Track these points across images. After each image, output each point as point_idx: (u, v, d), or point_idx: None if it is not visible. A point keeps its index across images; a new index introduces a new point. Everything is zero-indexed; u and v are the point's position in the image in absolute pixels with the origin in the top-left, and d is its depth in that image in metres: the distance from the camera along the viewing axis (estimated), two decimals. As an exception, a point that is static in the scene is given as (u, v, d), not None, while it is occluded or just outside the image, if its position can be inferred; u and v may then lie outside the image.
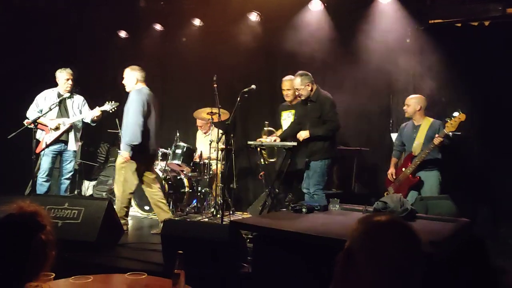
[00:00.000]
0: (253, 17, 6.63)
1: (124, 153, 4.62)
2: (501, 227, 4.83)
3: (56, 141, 5.34)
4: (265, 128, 5.86)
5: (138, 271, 2.21)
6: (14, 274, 1.39)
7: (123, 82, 4.96)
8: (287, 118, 5.33)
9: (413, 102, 4.63)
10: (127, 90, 4.93)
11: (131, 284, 2.06)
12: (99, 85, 7.42)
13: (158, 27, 7.45)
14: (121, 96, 7.63)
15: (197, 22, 7.10)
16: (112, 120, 6.59)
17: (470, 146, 5.08)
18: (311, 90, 4.79)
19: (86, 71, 6.84)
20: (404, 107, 4.70)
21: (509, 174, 4.68)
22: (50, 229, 1.49)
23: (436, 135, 4.28)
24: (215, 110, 5.75)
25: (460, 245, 3.02)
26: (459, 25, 5.43)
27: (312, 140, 4.72)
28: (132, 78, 4.87)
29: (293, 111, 5.21)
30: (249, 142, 5.05)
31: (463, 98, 5.03)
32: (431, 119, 4.57)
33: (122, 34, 7.74)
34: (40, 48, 7.03)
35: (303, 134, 4.70)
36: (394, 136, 5.51)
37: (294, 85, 4.84)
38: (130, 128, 4.59)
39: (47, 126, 5.29)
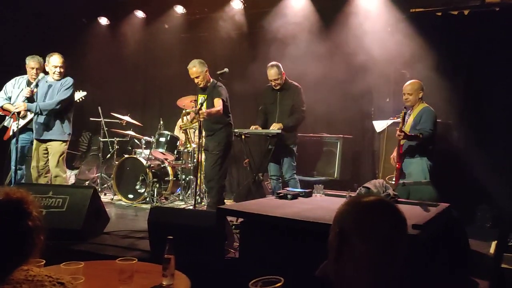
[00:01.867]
0: (236, 4, 6.61)
1: (23, 106, 4.86)
2: (478, 211, 5.01)
3: (24, 129, 5.19)
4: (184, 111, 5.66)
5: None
6: (1, 261, 1.40)
7: (60, 69, 4.94)
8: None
9: (414, 89, 4.32)
10: (57, 78, 4.95)
11: (122, 270, 2.07)
12: (79, 73, 7.30)
13: (139, 13, 7.35)
14: (102, 83, 7.58)
15: (179, 9, 7.04)
16: (94, 108, 6.53)
17: (450, 132, 5.20)
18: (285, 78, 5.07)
19: (65, 58, 6.71)
20: (405, 97, 4.36)
21: (487, 159, 4.82)
22: (37, 215, 1.48)
23: (396, 128, 4.15)
24: (199, 98, 5.73)
25: (440, 228, 3.12)
26: (439, 14, 5.52)
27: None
28: (64, 66, 4.97)
29: (205, 96, 5.07)
30: (235, 130, 5.09)
31: (443, 86, 5.14)
32: (424, 105, 4.33)
33: (103, 20, 7.62)
34: (18, 34, 6.86)
35: (276, 127, 4.89)
36: (375, 123, 5.61)
37: (272, 75, 5.01)
38: (54, 105, 4.84)
39: (14, 114, 5.15)
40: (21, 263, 1.41)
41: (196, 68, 4.98)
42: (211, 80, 5.10)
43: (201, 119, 4.72)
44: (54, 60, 4.94)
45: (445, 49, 5.28)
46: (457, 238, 3.38)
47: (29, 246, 1.44)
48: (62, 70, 4.97)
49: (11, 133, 5.19)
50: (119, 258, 2.13)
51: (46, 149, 4.98)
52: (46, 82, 5.01)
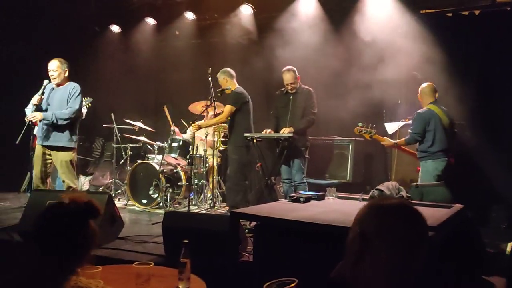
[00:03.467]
0: (246, 9, 6.65)
1: (39, 115, 4.73)
2: (493, 211, 4.96)
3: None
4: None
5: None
6: (68, 257, 1.44)
7: (54, 73, 4.80)
8: None
9: (419, 91, 4.65)
10: (56, 82, 4.84)
11: (139, 274, 2.10)
12: (92, 80, 7.40)
13: (150, 21, 7.43)
14: (115, 89, 7.66)
15: (189, 15, 7.10)
16: (107, 115, 6.61)
17: (463, 132, 5.16)
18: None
19: (78, 66, 6.81)
20: None
21: (501, 160, 4.77)
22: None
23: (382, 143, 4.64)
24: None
25: (455, 229, 3.10)
26: (450, 14, 5.50)
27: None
28: (65, 71, 4.88)
29: None
30: (245, 134, 5.12)
31: (454, 86, 5.12)
32: (423, 109, 4.51)
33: (115, 28, 7.72)
34: (32, 44, 6.98)
35: (286, 131, 4.93)
36: (387, 125, 5.59)
37: (288, 79, 5.10)
38: (70, 114, 4.76)
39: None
40: (79, 264, 1.46)
41: (218, 78, 5.39)
42: (236, 86, 5.38)
43: (193, 131, 5.32)
44: (49, 65, 4.86)
45: (456, 50, 5.26)
46: (471, 238, 3.35)
47: (90, 246, 1.50)
48: (56, 74, 4.80)
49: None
50: (136, 262, 2.16)
51: (50, 157, 4.84)
52: (51, 88, 4.95)
